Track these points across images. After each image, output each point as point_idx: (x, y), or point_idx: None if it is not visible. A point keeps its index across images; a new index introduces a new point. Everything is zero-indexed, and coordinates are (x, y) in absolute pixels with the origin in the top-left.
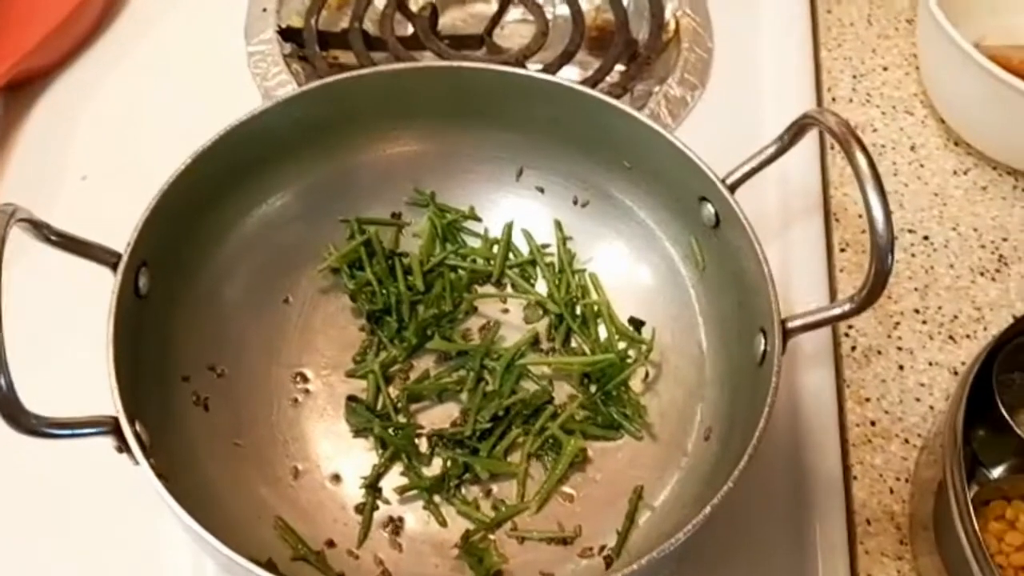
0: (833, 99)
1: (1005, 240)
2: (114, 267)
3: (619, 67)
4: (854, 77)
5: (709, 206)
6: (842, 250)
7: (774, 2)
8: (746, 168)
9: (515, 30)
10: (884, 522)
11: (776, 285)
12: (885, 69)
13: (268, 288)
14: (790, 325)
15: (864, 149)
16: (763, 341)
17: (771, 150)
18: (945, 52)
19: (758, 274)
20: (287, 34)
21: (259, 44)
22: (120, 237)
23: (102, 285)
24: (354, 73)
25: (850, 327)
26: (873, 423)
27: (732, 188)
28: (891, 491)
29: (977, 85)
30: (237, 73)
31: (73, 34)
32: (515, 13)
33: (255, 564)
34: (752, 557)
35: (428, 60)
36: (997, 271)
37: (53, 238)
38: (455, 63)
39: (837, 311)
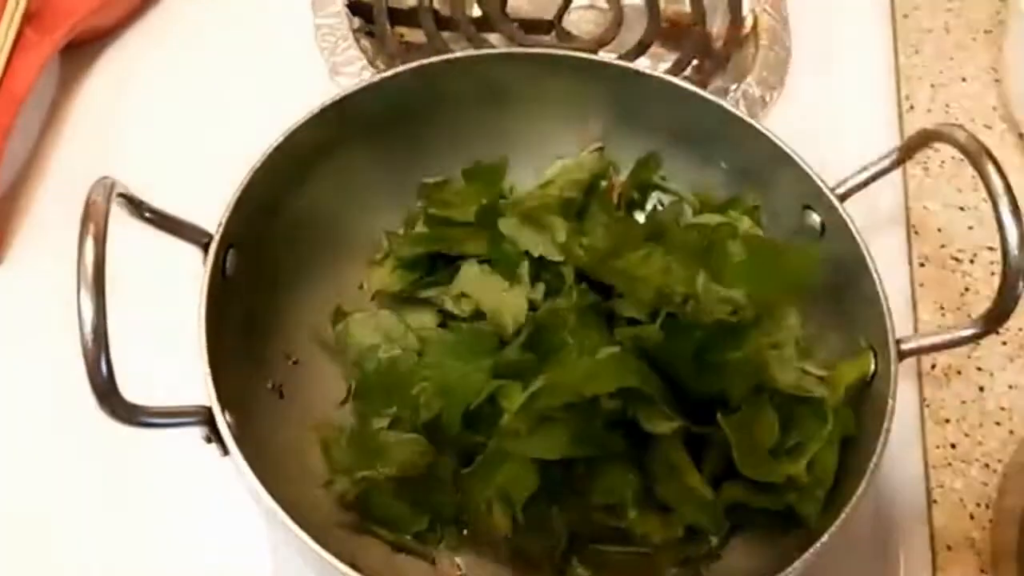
0: (911, 107)
1: None
2: (205, 248)
3: (694, 61)
4: (932, 86)
5: (814, 215)
6: (921, 265)
7: (852, 2)
8: (859, 178)
9: (582, 16)
10: (964, 549)
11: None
12: (964, 80)
13: (344, 274)
14: (905, 347)
15: (998, 167)
16: (873, 362)
17: (887, 162)
18: None
19: (869, 289)
20: (356, 8)
21: (327, 17)
22: (184, 206)
23: (176, 263)
24: (448, 56)
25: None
26: (953, 445)
27: (842, 198)
28: (971, 517)
29: None
30: (303, 45)
31: None
32: None
33: (344, 563)
34: None
35: (502, 44)
36: None
37: (148, 215)
38: (554, 50)
39: (961, 334)
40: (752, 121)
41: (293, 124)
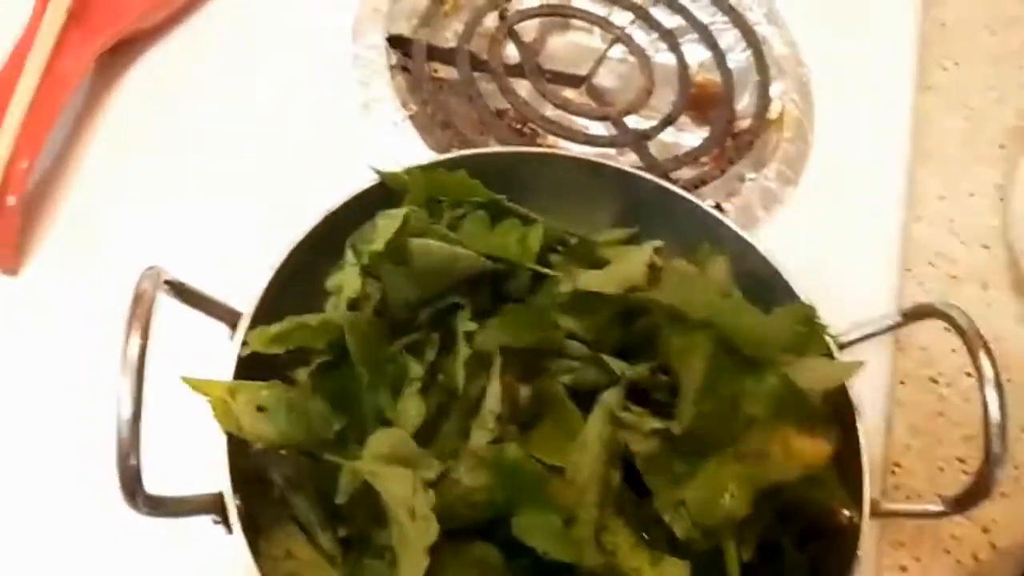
0: (917, 217)
1: None
2: (233, 325)
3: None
4: (939, 198)
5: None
6: (901, 383)
7: (878, 102)
8: (857, 334)
9: (613, 68)
10: None
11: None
12: (971, 195)
13: None
14: (879, 508)
15: (990, 355)
16: (845, 518)
17: (888, 322)
18: None
19: (853, 446)
20: (395, 41)
21: (366, 48)
22: (206, 240)
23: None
24: (474, 151)
25: (897, 466)
26: (904, 569)
27: (841, 347)
28: None
29: None
30: (340, 72)
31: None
32: (615, 51)
33: None
34: None
35: (528, 95)
36: None
37: (190, 299)
38: (593, 159)
39: (934, 509)
40: (776, 264)
41: (333, 205)
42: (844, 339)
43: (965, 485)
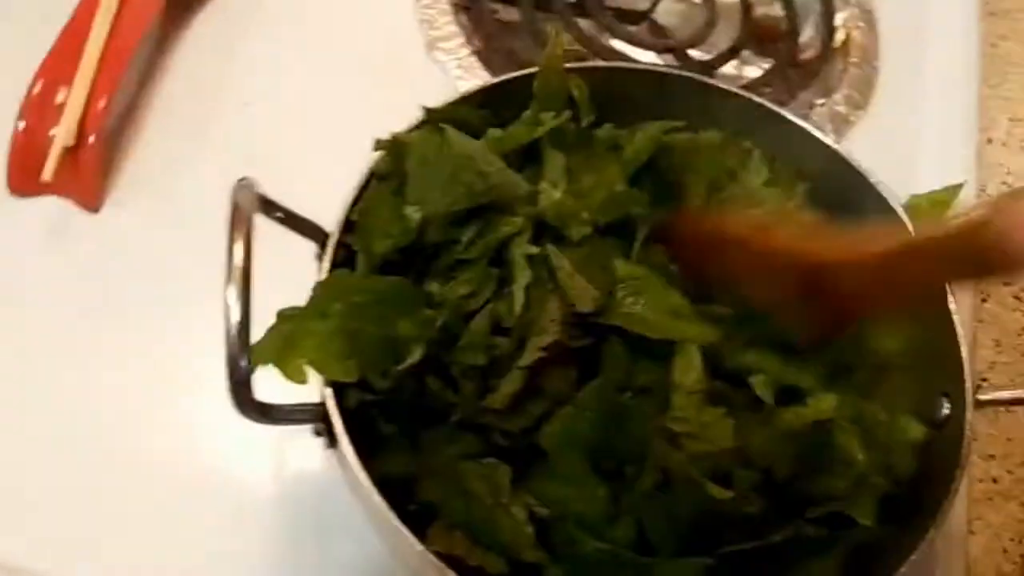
0: (989, 140)
1: None
2: (322, 244)
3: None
4: (1010, 120)
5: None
6: (983, 300)
7: (944, 26)
8: (1000, 395)
9: (674, 8)
10: None
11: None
12: None
13: None
14: (981, 397)
15: None
16: (946, 406)
17: None
18: None
19: (949, 336)
20: None
21: None
22: (281, 173)
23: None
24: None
25: (984, 380)
26: (995, 480)
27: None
28: (1004, 551)
29: None
30: (403, 15)
31: None
32: None
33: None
34: None
35: (593, 30)
36: None
37: (277, 214)
38: (666, 69)
39: None
40: (865, 173)
41: (406, 127)
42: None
43: None
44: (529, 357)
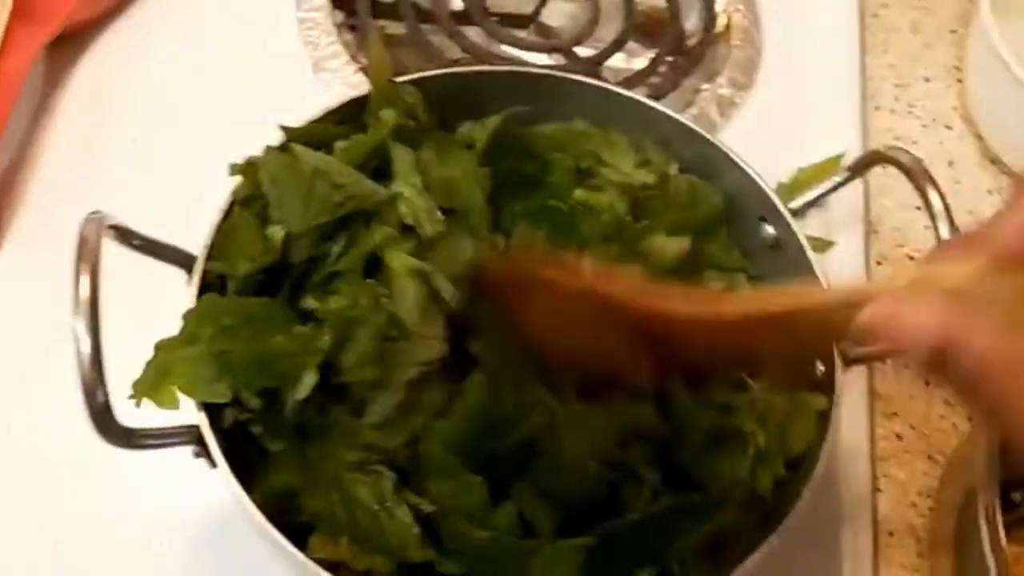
0: (876, 107)
1: None
2: (189, 269)
3: (668, 58)
4: (896, 86)
5: (768, 228)
6: (878, 263)
7: (824, 1)
8: (810, 196)
9: (559, 9)
10: (905, 535)
11: None
12: (927, 80)
13: None
14: (851, 355)
15: (939, 192)
16: (821, 368)
17: (837, 179)
18: (992, 70)
19: None
20: (339, 2)
21: (310, 11)
22: (172, 204)
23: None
24: (415, 76)
25: None
26: (899, 437)
27: (795, 213)
28: (913, 505)
29: (1022, 106)
30: (287, 39)
31: None
32: None
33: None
34: (780, 563)
35: (480, 38)
36: None
37: (135, 243)
38: (526, 69)
39: None
40: (720, 144)
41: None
42: (794, 205)
43: None
44: (411, 372)
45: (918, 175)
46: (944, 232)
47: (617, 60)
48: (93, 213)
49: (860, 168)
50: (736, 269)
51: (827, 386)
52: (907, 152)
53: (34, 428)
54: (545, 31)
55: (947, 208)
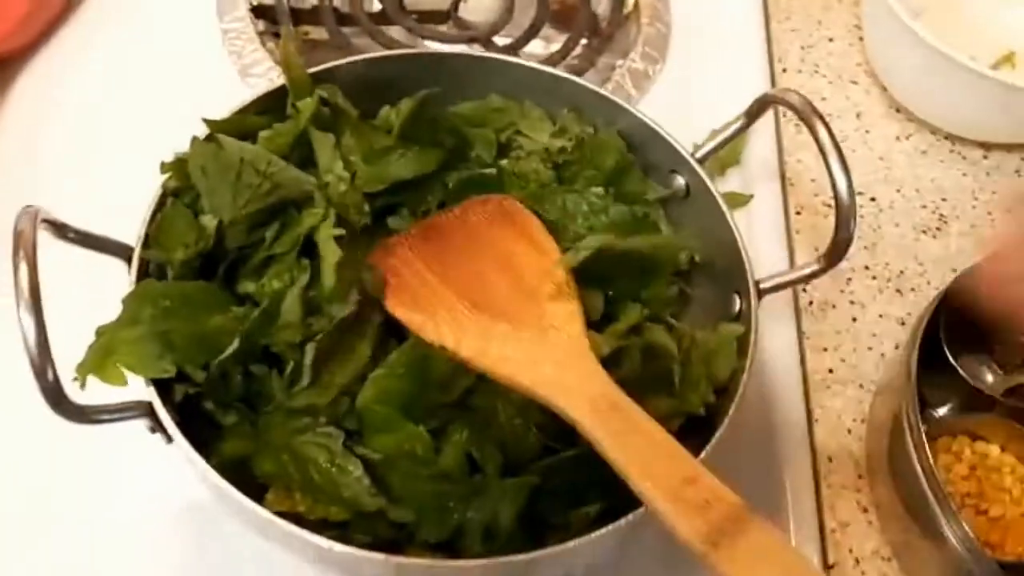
0: (784, 70)
1: (944, 200)
2: (128, 259)
3: (582, 41)
4: (802, 48)
5: (680, 178)
6: (797, 213)
7: None
8: (712, 143)
9: (476, 3)
10: (843, 459)
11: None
12: (831, 40)
13: None
14: (763, 286)
15: (826, 124)
16: (738, 301)
17: (736, 125)
18: (888, 25)
19: (730, 240)
20: (259, 11)
21: (233, 22)
22: (110, 203)
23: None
24: (327, 65)
25: (807, 284)
26: (831, 370)
27: (701, 161)
28: (848, 431)
29: (917, 56)
30: (212, 50)
31: (46, 14)
32: None
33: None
34: None
35: (401, 36)
36: (938, 229)
37: (71, 236)
38: (437, 50)
39: (806, 271)
40: (624, 103)
41: (201, 135)
42: (699, 155)
43: (829, 243)
44: (326, 324)
45: (806, 113)
46: (835, 165)
47: (535, 47)
48: (27, 207)
49: (754, 113)
50: (657, 201)
51: (745, 317)
52: (796, 93)
53: None
54: (463, 25)
55: (836, 144)
